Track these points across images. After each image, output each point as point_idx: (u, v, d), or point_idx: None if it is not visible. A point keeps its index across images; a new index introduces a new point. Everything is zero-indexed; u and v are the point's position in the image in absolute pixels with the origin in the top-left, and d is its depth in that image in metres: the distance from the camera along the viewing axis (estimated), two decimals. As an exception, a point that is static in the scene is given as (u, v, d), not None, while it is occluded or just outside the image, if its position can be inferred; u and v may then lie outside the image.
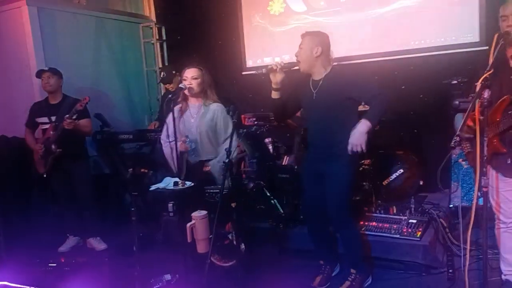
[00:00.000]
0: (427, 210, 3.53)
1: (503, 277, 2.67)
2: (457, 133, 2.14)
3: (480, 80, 2.07)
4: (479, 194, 2.18)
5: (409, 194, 4.00)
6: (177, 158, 3.00)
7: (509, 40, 2.28)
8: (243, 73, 5.40)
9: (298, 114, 4.18)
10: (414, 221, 3.30)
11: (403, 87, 4.43)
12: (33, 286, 3.06)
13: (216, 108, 3.21)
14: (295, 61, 2.88)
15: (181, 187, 2.79)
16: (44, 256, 3.78)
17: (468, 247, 2.34)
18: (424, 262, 3.08)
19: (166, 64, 6.05)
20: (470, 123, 2.35)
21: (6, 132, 4.54)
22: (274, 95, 2.91)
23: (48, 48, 4.68)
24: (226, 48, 5.48)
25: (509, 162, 2.38)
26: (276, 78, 2.86)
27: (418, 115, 4.40)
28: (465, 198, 3.52)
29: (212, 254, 2.59)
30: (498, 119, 2.33)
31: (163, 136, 3.28)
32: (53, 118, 3.87)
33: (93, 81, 5.20)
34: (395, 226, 3.29)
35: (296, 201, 3.83)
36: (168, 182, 2.86)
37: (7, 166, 4.37)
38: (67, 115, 3.65)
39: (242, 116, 4.44)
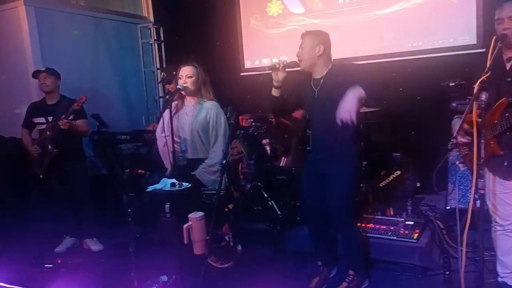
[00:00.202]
0: (424, 212, 3.54)
1: (499, 279, 2.67)
2: (454, 135, 2.15)
3: (477, 83, 2.08)
4: (476, 196, 2.18)
5: (406, 196, 4.01)
6: (168, 153, 3.00)
7: (506, 43, 2.30)
8: (241, 74, 5.40)
9: (298, 116, 4.19)
10: (411, 223, 3.31)
11: (400, 88, 4.45)
12: (28, 287, 3.05)
13: (209, 106, 3.17)
14: (296, 60, 2.87)
15: (178, 188, 2.78)
16: (40, 257, 3.78)
17: (464, 249, 2.35)
18: (420, 264, 3.08)
19: (164, 64, 6.05)
20: (466, 125, 2.36)
21: (3, 133, 4.52)
22: (275, 92, 2.91)
23: (46, 48, 4.68)
24: (224, 49, 5.48)
25: (506, 164, 2.39)
26: (278, 76, 2.86)
27: (416, 117, 4.41)
28: (461, 200, 3.52)
29: (208, 255, 2.58)
30: (495, 121, 2.33)
31: (158, 130, 3.27)
32: (50, 119, 3.86)
33: (90, 82, 5.19)
34: (392, 228, 3.29)
35: (293, 202, 3.83)
36: (165, 183, 2.85)
37: (3, 166, 4.35)
38: (64, 115, 3.64)
39: (240, 117, 4.43)
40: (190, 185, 2.80)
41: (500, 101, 2.32)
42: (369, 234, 3.29)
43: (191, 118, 3.16)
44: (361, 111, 3.83)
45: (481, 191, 2.14)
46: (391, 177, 4.12)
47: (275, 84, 2.88)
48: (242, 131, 4.06)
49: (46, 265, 3.66)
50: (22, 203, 4.42)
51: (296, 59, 2.88)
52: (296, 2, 4.96)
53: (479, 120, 2.19)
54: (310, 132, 3.58)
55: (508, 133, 2.33)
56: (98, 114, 4.68)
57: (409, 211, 3.47)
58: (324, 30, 2.93)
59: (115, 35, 5.62)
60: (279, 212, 3.78)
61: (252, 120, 4.33)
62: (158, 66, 6.09)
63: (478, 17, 4.02)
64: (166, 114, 3.05)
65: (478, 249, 2.16)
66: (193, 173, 3.06)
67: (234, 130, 3.08)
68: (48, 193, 4.16)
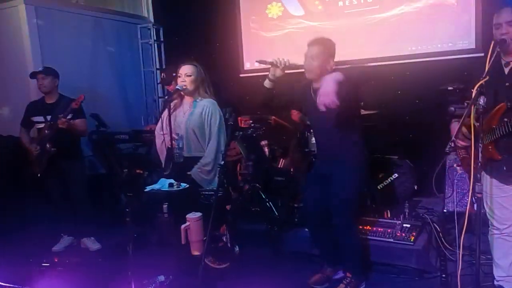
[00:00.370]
0: (421, 214, 3.55)
1: (495, 282, 2.68)
2: (452, 139, 2.16)
3: (475, 87, 2.09)
4: (473, 200, 2.19)
5: (403, 198, 4.02)
6: (165, 153, 3.01)
7: (505, 48, 2.31)
8: (241, 75, 5.41)
9: (295, 118, 4.20)
10: (408, 225, 3.31)
11: (399, 92, 4.46)
12: (25, 286, 3.05)
13: (205, 103, 3.15)
14: (299, 65, 2.84)
15: (176, 189, 2.78)
16: (37, 256, 3.77)
17: (460, 252, 2.36)
18: (417, 266, 3.09)
19: (163, 65, 6.06)
20: (464, 129, 2.37)
21: (2, 131, 4.52)
22: (267, 84, 2.86)
23: (45, 47, 4.68)
24: (224, 50, 5.49)
25: (504, 169, 2.40)
26: (275, 73, 2.82)
27: (414, 120, 4.43)
28: (459, 203, 3.53)
29: (206, 256, 2.58)
30: (494, 126, 2.34)
31: (157, 128, 3.28)
32: (49, 118, 3.86)
33: (90, 81, 5.19)
34: (389, 230, 3.30)
35: (291, 203, 3.84)
36: (163, 183, 2.85)
37: (1, 165, 4.35)
38: (62, 114, 3.65)
39: (239, 118, 4.44)
40: (188, 185, 2.80)
41: (499, 106, 2.33)
42: (366, 236, 3.30)
43: (187, 116, 3.16)
44: (364, 113, 3.87)
45: (479, 195, 2.15)
46: (389, 180, 4.14)
47: (270, 76, 2.85)
48: (241, 132, 4.07)
49: (43, 264, 3.65)
50: (20, 202, 4.41)
51: (294, 60, 2.85)
52: (296, 4, 4.97)
53: (477, 124, 2.20)
54: (309, 135, 3.60)
55: (506, 138, 2.34)
56: (97, 114, 4.68)
57: (407, 213, 3.48)
58: (322, 34, 2.91)
59: (115, 35, 5.62)
60: (276, 213, 3.78)
61: (251, 121, 4.33)
62: (158, 67, 6.09)
63: (477, 21, 4.04)
64: (165, 113, 3.05)
65: (474, 252, 2.16)
66: (188, 173, 3.06)
67: (233, 131, 3.07)
68: (45, 192, 4.16)
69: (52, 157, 3.82)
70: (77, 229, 4.12)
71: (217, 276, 2.92)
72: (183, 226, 2.59)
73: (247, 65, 5.39)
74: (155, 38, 6.06)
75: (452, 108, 2.45)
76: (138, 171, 3.46)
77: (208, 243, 2.54)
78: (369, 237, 3.29)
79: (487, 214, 2.57)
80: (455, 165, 3.49)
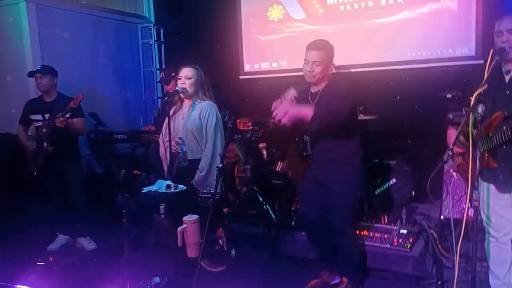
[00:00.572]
0: (418, 220, 3.55)
1: (491, 290, 2.68)
2: (450, 147, 2.15)
3: (474, 95, 2.09)
4: (470, 206, 2.19)
5: (401, 204, 4.02)
6: (168, 159, 3.00)
7: (504, 56, 2.31)
8: (241, 77, 5.41)
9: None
10: (405, 231, 3.31)
11: (398, 97, 4.47)
12: (19, 285, 3.03)
13: (203, 105, 3.15)
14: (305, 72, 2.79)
15: (173, 191, 2.77)
16: (32, 255, 3.76)
17: (457, 259, 2.35)
18: (413, 273, 3.08)
19: (163, 65, 6.05)
20: (461, 137, 2.37)
21: (0, 129, 4.51)
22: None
23: (45, 45, 4.66)
24: (224, 51, 5.48)
25: (500, 177, 2.40)
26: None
27: (412, 126, 4.43)
28: (456, 209, 3.53)
29: (202, 259, 2.57)
30: (490, 134, 2.34)
31: (161, 136, 3.28)
32: (47, 116, 3.85)
33: (89, 80, 5.18)
34: (386, 236, 3.30)
35: (289, 207, 3.83)
36: (160, 185, 2.84)
37: (-1, 162, 4.34)
38: (60, 113, 3.64)
39: (238, 120, 4.44)
40: (185, 187, 2.80)
41: (496, 114, 2.33)
42: (363, 241, 3.29)
43: (186, 118, 3.16)
44: (359, 118, 3.87)
45: (475, 203, 2.14)
46: (387, 185, 4.14)
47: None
48: (240, 136, 4.06)
49: (38, 263, 3.65)
50: (17, 200, 4.39)
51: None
52: (297, 7, 4.97)
53: (475, 131, 2.20)
54: (307, 138, 3.59)
55: (503, 147, 2.34)
56: (96, 113, 4.68)
57: (404, 219, 3.47)
58: (324, 38, 2.91)
59: (115, 34, 5.61)
60: (274, 217, 3.78)
61: (250, 123, 4.33)
62: (158, 67, 6.08)
63: (478, 28, 4.05)
64: (167, 120, 3.05)
65: (471, 259, 2.16)
66: (192, 181, 3.06)
67: (232, 134, 3.07)
68: (42, 191, 4.15)
69: (50, 156, 3.81)
70: (73, 228, 4.11)
71: (213, 279, 2.91)
72: (179, 228, 2.59)
73: (247, 67, 5.39)
74: (155, 38, 6.05)
75: (451, 116, 2.45)
76: (135, 172, 3.46)
77: (205, 246, 2.53)
78: (366, 242, 3.29)
79: (484, 222, 2.57)
80: (451, 171, 3.49)
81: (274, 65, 5.15)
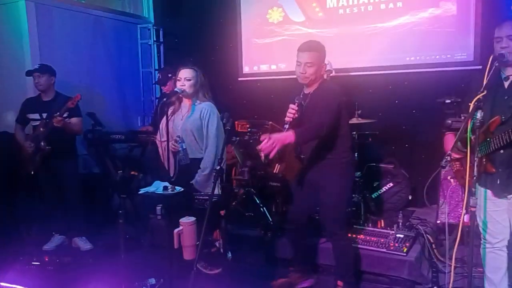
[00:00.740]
0: (414, 225, 3.55)
1: (486, 296, 2.68)
2: (448, 152, 2.16)
3: (473, 101, 2.09)
4: (466, 212, 2.19)
5: (398, 208, 4.03)
6: (168, 158, 2.99)
7: (503, 62, 2.32)
8: (239, 79, 5.41)
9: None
10: (401, 235, 3.32)
11: (396, 101, 4.48)
12: (14, 284, 3.01)
13: (204, 106, 3.16)
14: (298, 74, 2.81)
15: (170, 192, 2.77)
16: (28, 254, 3.74)
17: (453, 264, 2.36)
18: (409, 277, 3.09)
19: (162, 66, 6.05)
20: (459, 144, 2.37)
21: (-3, 127, 4.49)
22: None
23: (44, 45, 4.65)
24: (223, 53, 5.48)
25: (498, 183, 2.41)
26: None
27: (410, 130, 4.44)
28: (452, 215, 3.54)
29: (198, 261, 2.56)
30: (488, 139, 2.35)
31: (158, 136, 3.27)
32: (44, 115, 3.84)
33: (87, 80, 5.16)
34: (382, 240, 3.30)
35: (286, 209, 3.83)
36: (157, 186, 2.84)
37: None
38: (58, 113, 3.63)
39: (236, 122, 4.43)
40: (182, 189, 2.79)
41: (493, 119, 2.34)
42: (359, 246, 3.30)
43: (185, 119, 3.16)
44: (356, 122, 3.88)
45: (472, 209, 2.15)
46: (384, 189, 4.14)
47: (290, 126, 2.74)
48: (238, 138, 4.06)
49: (33, 263, 3.63)
50: (12, 199, 4.37)
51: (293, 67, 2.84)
52: (297, 10, 4.98)
53: (473, 137, 2.21)
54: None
55: (501, 151, 2.35)
56: (93, 113, 4.66)
57: (400, 224, 3.48)
58: (323, 41, 2.91)
59: (114, 34, 5.60)
60: (270, 219, 3.78)
61: (248, 125, 4.33)
62: (156, 68, 6.08)
63: (476, 34, 4.06)
64: (164, 120, 3.04)
65: (466, 265, 2.16)
66: (191, 182, 3.05)
67: (229, 136, 3.06)
68: (38, 190, 4.14)
69: (46, 155, 3.80)
70: (69, 228, 4.10)
71: (209, 281, 2.91)
72: (176, 230, 2.58)
73: (246, 69, 5.39)
74: (154, 38, 6.04)
75: (449, 121, 2.45)
76: (132, 172, 3.45)
77: (201, 248, 2.53)
78: (362, 246, 3.29)
79: (480, 228, 2.57)
80: (449, 177, 3.49)
81: (273, 67, 5.16)
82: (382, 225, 3.54)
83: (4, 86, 4.74)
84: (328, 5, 4.78)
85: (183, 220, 2.61)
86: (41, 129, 3.79)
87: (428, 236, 3.39)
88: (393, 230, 3.39)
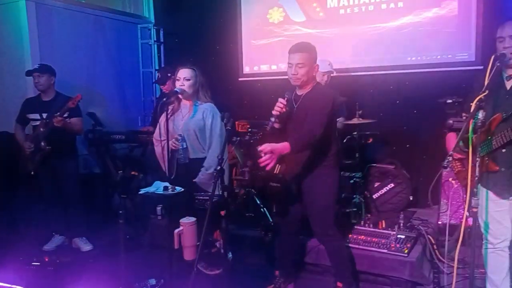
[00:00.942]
0: (415, 226, 3.54)
1: (488, 297, 2.67)
2: (450, 152, 2.15)
3: (475, 101, 2.08)
4: (468, 214, 2.18)
5: (399, 209, 4.01)
6: (167, 157, 2.98)
7: (505, 62, 2.31)
8: (240, 79, 5.40)
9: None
10: (403, 236, 3.30)
11: (397, 101, 4.47)
12: (13, 285, 3.00)
13: (206, 107, 3.16)
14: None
15: (170, 192, 2.76)
16: (28, 254, 3.74)
17: (455, 265, 2.34)
18: (410, 278, 3.07)
19: (163, 65, 6.04)
20: (461, 144, 2.36)
21: (-3, 127, 4.49)
22: (277, 125, 2.85)
23: (44, 44, 4.65)
24: (224, 53, 5.48)
25: (501, 183, 2.39)
26: (282, 117, 2.79)
27: (411, 130, 4.43)
28: (454, 215, 3.53)
29: (198, 261, 2.55)
30: (489, 137, 2.34)
31: (155, 135, 3.26)
32: (44, 115, 3.83)
33: (88, 80, 5.16)
34: (383, 241, 3.28)
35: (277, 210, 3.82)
36: (158, 187, 2.83)
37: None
38: (58, 113, 3.62)
39: (236, 122, 4.42)
40: (182, 189, 2.78)
41: (494, 117, 2.33)
42: (360, 246, 3.29)
43: (187, 119, 3.15)
44: (357, 122, 3.86)
45: (474, 209, 2.14)
46: (385, 189, 4.13)
47: (276, 126, 2.81)
48: (238, 138, 4.05)
49: (33, 263, 3.62)
50: (12, 199, 4.37)
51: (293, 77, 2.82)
52: (297, 10, 4.97)
53: (474, 136, 2.20)
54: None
55: (503, 150, 2.34)
56: (94, 113, 4.66)
57: (401, 224, 3.47)
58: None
59: (115, 34, 5.60)
60: (271, 220, 3.76)
61: (248, 126, 4.32)
62: (157, 67, 6.07)
63: (478, 34, 4.05)
64: (162, 118, 3.03)
65: (468, 265, 2.15)
66: (194, 180, 3.04)
67: (230, 136, 3.05)
68: (38, 190, 4.13)
69: (46, 155, 3.80)
70: (69, 228, 4.09)
71: (209, 282, 2.90)
72: (176, 230, 2.57)
73: (246, 69, 5.38)
74: (155, 38, 6.05)
75: (451, 121, 2.45)
76: (133, 172, 3.44)
77: (201, 248, 2.52)
78: (363, 247, 3.28)
79: (482, 228, 2.56)
80: (450, 179, 3.48)
81: (274, 67, 5.15)
82: (383, 225, 3.52)
83: (4, 86, 4.73)
84: (329, 5, 4.77)
85: (184, 220, 2.60)
86: (41, 129, 3.78)
87: (430, 236, 3.38)
88: (394, 230, 3.37)
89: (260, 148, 2.55)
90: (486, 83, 2.19)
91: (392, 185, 4.12)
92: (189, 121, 3.13)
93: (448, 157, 2.08)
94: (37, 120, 3.88)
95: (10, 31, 4.63)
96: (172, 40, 6.03)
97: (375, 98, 4.45)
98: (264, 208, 3.83)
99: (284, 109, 2.71)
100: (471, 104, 2.14)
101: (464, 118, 2.36)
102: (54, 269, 3.56)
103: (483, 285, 2.71)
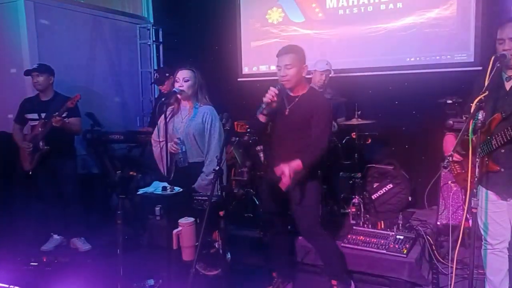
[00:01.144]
0: (414, 226, 3.54)
1: (487, 298, 2.67)
2: (450, 153, 2.14)
3: (475, 102, 2.08)
4: (468, 215, 2.18)
5: (397, 210, 4.01)
6: (166, 159, 2.97)
7: (505, 63, 2.31)
8: (239, 79, 5.40)
9: None
10: (401, 237, 3.30)
11: (396, 102, 4.48)
12: (12, 285, 3.00)
13: (205, 110, 3.14)
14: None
15: (169, 192, 2.75)
16: (26, 255, 3.72)
17: (454, 266, 2.34)
18: (409, 279, 3.07)
19: (162, 66, 6.03)
20: (460, 146, 2.36)
21: (-4, 127, 4.48)
22: (262, 119, 2.83)
23: (43, 44, 4.64)
24: (223, 53, 5.48)
25: (501, 184, 2.39)
26: (271, 106, 2.77)
27: (410, 131, 4.44)
28: (453, 217, 3.53)
29: (197, 262, 2.55)
30: (489, 137, 2.34)
31: (154, 136, 3.25)
32: (43, 115, 3.82)
33: (86, 80, 5.16)
34: (382, 241, 3.28)
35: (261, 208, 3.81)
36: (156, 187, 2.82)
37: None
38: (57, 113, 3.61)
39: (235, 122, 4.41)
40: (181, 189, 2.77)
41: (493, 117, 2.33)
42: (359, 247, 3.28)
43: (186, 121, 3.14)
44: (356, 122, 3.86)
45: (474, 210, 2.13)
46: (383, 190, 4.13)
47: (265, 112, 2.78)
48: (237, 138, 4.04)
49: (31, 263, 3.61)
50: (10, 199, 4.36)
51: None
52: (296, 11, 4.97)
53: (474, 137, 2.20)
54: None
55: (502, 150, 2.34)
56: (92, 113, 4.65)
57: (400, 225, 3.46)
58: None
59: (114, 34, 5.59)
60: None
61: (247, 126, 4.31)
62: (156, 68, 6.06)
63: (477, 35, 4.06)
64: (161, 119, 3.02)
65: (467, 266, 2.15)
66: (193, 186, 3.03)
67: (229, 137, 3.04)
68: (36, 190, 4.12)
69: (45, 155, 3.79)
70: (67, 228, 4.08)
71: (208, 282, 2.89)
72: (175, 231, 2.56)
73: (245, 70, 5.39)
74: (154, 39, 6.04)
75: (451, 122, 2.45)
76: (131, 173, 3.44)
77: (200, 249, 2.51)
78: (362, 247, 3.27)
79: (481, 229, 2.56)
80: (449, 182, 3.48)
81: (273, 68, 5.14)
82: (382, 226, 3.52)
83: (3, 86, 4.72)
84: (328, 6, 4.78)
85: (182, 220, 2.59)
86: (40, 129, 3.77)
87: (428, 237, 3.38)
88: (393, 231, 3.37)
89: (277, 171, 2.59)
90: (486, 84, 2.19)
91: (391, 185, 4.12)
92: (189, 124, 3.11)
93: (448, 157, 2.08)
94: (35, 120, 3.88)
95: (9, 31, 4.62)
96: (171, 40, 6.02)
97: (374, 98, 4.45)
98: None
99: (275, 98, 2.68)
100: (471, 104, 2.13)
101: (465, 119, 2.35)
102: (52, 269, 3.55)
103: (482, 286, 2.71)
